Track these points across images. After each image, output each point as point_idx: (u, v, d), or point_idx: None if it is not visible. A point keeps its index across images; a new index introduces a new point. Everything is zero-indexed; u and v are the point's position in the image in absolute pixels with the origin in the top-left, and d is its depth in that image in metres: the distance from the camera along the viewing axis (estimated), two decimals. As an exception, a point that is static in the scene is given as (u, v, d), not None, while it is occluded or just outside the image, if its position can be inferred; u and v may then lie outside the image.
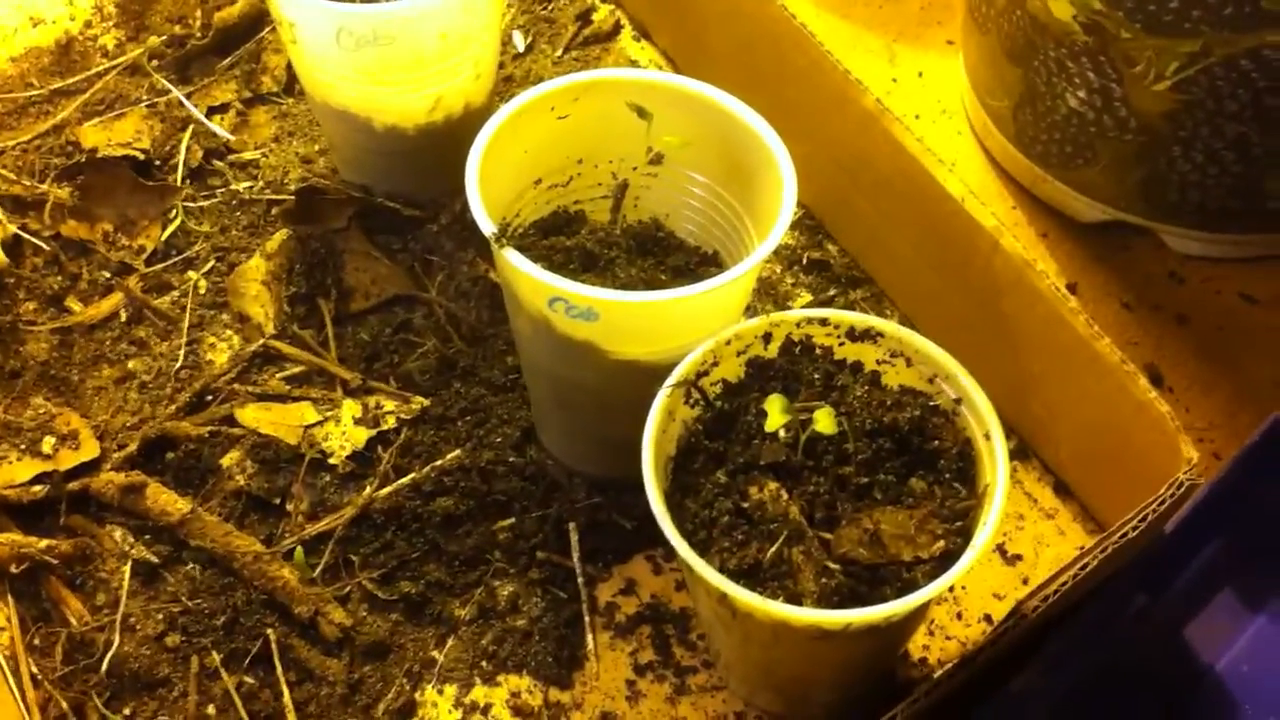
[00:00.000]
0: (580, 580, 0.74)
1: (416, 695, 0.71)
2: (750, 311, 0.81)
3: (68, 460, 0.77)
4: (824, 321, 0.64)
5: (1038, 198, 0.88)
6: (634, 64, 0.96)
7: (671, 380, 0.62)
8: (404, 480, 0.76)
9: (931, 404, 0.63)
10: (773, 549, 0.59)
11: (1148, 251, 0.86)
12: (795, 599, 0.58)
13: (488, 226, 0.64)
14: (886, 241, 0.84)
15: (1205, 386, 0.81)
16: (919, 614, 0.62)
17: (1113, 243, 0.87)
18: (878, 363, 0.65)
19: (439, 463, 0.77)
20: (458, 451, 0.77)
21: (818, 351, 0.65)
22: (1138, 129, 0.78)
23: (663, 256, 0.73)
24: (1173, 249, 0.86)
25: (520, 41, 0.96)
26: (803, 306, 0.84)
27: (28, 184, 0.88)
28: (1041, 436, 0.79)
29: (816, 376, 0.64)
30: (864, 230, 0.86)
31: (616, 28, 0.98)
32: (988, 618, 0.74)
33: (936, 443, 0.62)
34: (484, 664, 0.72)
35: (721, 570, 0.58)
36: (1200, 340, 0.83)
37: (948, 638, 0.73)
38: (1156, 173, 0.80)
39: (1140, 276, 0.86)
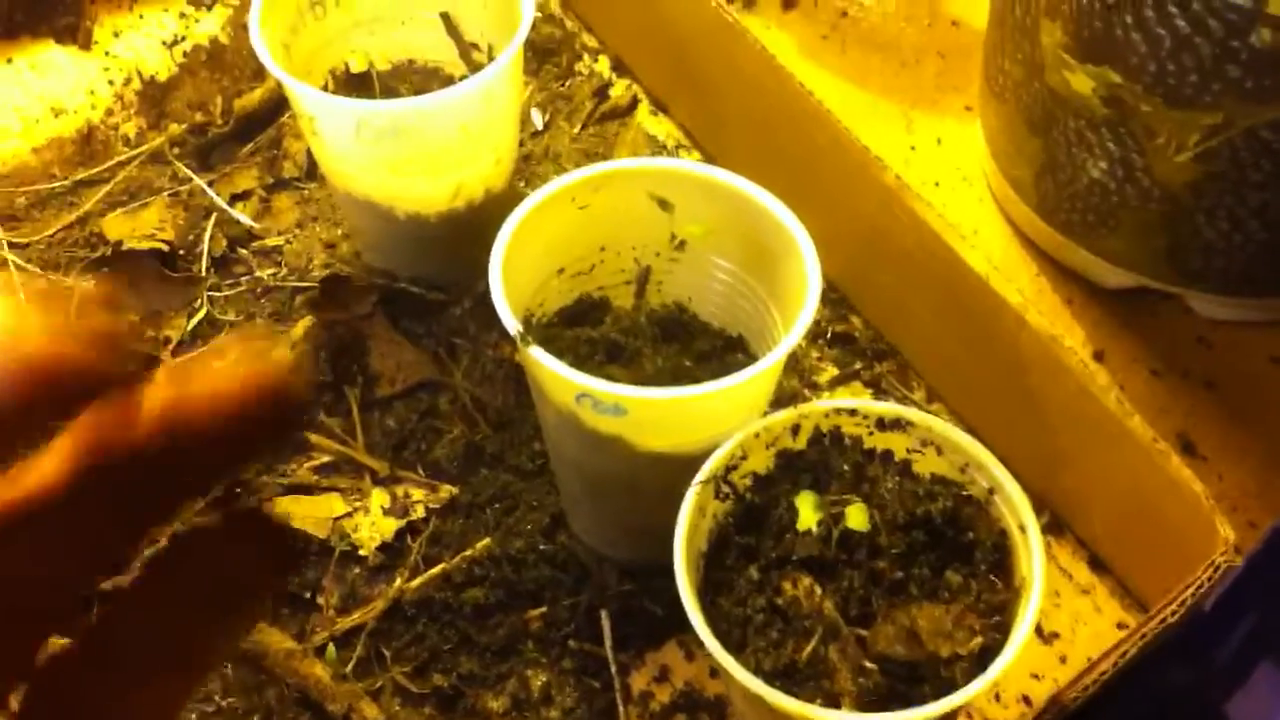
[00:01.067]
0: (613, 669, 0.74)
1: (452, 790, 0.71)
2: (778, 386, 0.81)
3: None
4: (853, 412, 0.64)
5: (1062, 264, 0.88)
6: (651, 138, 0.96)
7: (701, 477, 0.62)
8: (434, 571, 0.76)
9: (964, 494, 0.63)
10: (809, 648, 0.59)
11: (1175, 317, 0.86)
12: (832, 699, 0.57)
13: (512, 325, 0.64)
14: (911, 314, 0.83)
15: (1238, 453, 0.81)
16: (959, 711, 0.62)
17: (1139, 308, 0.86)
18: (908, 451, 0.64)
19: (469, 552, 0.77)
20: (487, 540, 0.77)
21: (847, 442, 0.64)
22: (1161, 198, 0.78)
23: (688, 342, 0.73)
24: (1200, 314, 0.85)
25: (539, 119, 0.97)
26: (827, 382, 0.84)
27: (54, 278, 0.88)
28: (1075, 511, 0.78)
29: (846, 468, 0.64)
30: (888, 303, 0.85)
31: (634, 102, 0.99)
32: (1025, 699, 0.73)
33: (971, 534, 0.61)
34: (519, 756, 0.72)
35: (757, 671, 0.57)
36: (1231, 406, 0.82)
37: (985, 720, 0.72)
38: (1181, 240, 0.80)
39: (1168, 342, 0.85)
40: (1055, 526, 0.79)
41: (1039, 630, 0.75)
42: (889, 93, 0.98)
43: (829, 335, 0.86)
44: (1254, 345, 0.85)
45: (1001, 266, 0.81)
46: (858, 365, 0.85)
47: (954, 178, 0.94)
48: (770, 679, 0.57)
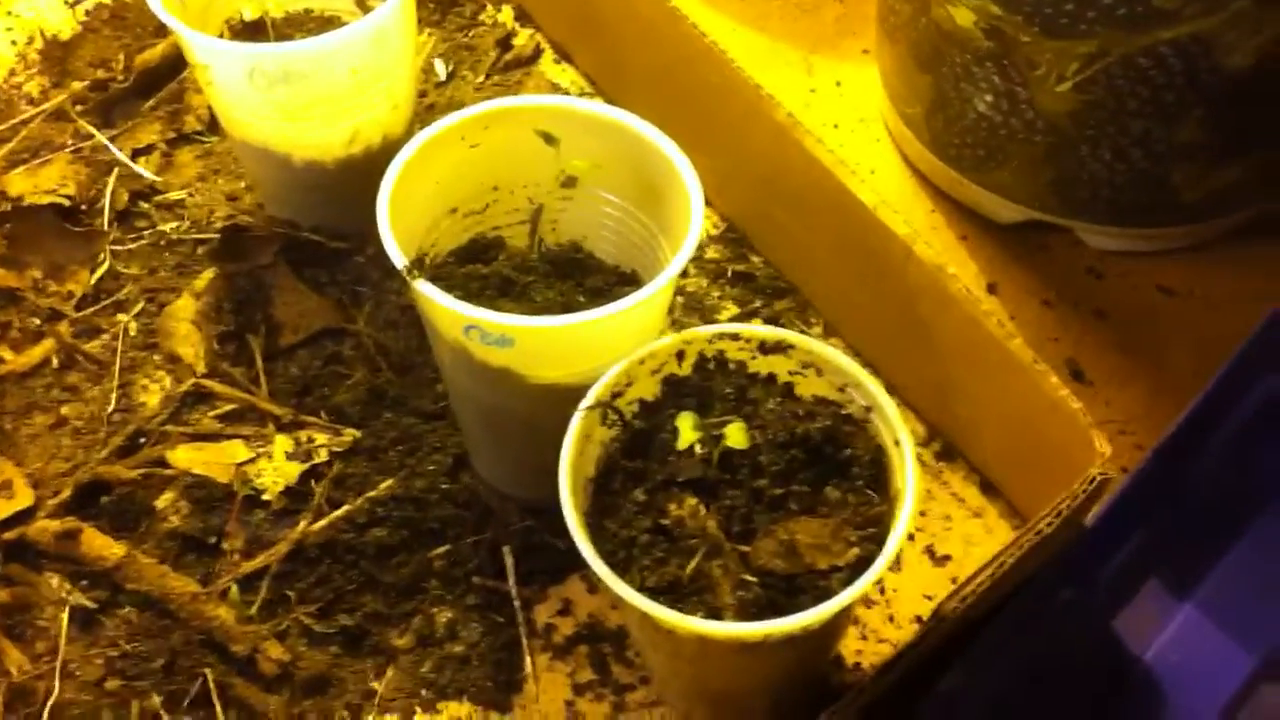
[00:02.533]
0: (516, 604, 0.75)
1: (358, 727, 0.72)
2: (677, 327, 0.82)
3: (3, 509, 0.77)
4: (736, 336, 0.65)
5: (956, 201, 0.90)
6: (555, 87, 0.97)
7: (587, 402, 0.63)
8: (338, 513, 0.77)
9: (843, 413, 0.64)
10: (691, 564, 0.60)
11: (1066, 249, 0.88)
12: (715, 613, 0.59)
13: (400, 260, 0.65)
14: (807, 252, 0.85)
15: (1125, 379, 0.83)
16: (842, 620, 0.63)
17: (1031, 242, 0.88)
18: (790, 374, 0.66)
19: (372, 493, 0.77)
20: (390, 481, 0.78)
21: (731, 366, 0.66)
22: (1045, 130, 0.80)
23: (581, 278, 0.74)
24: (1090, 245, 0.87)
25: (442, 70, 0.97)
26: (728, 320, 0.85)
27: (-46, 236, 0.88)
28: (966, 437, 0.80)
29: (730, 390, 0.65)
30: (785, 242, 0.87)
31: (537, 52, 0.99)
32: (919, 619, 0.75)
33: (849, 451, 0.63)
34: (424, 692, 0.73)
35: (642, 588, 0.59)
36: (1119, 334, 0.84)
37: (880, 641, 0.74)
38: (1067, 172, 0.82)
39: (1059, 274, 0.87)
40: (947, 453, 0.81)
41: (931, 552, 0.77)
42: (789, 37, 0.99)
43: (729, 275, 0.88)
44: (1142, 275, 0.87)
45: (898, 205, 0.82)
46: (757, 303, 0.86)
47: (852, 119, 0.95)
48: (654, 595, 0.58)
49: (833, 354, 0.64)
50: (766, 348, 0.65)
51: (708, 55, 0.83)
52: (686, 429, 0.61)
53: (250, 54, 0.75)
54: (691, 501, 0.62)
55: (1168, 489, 0.73)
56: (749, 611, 0.59)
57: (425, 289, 0.64)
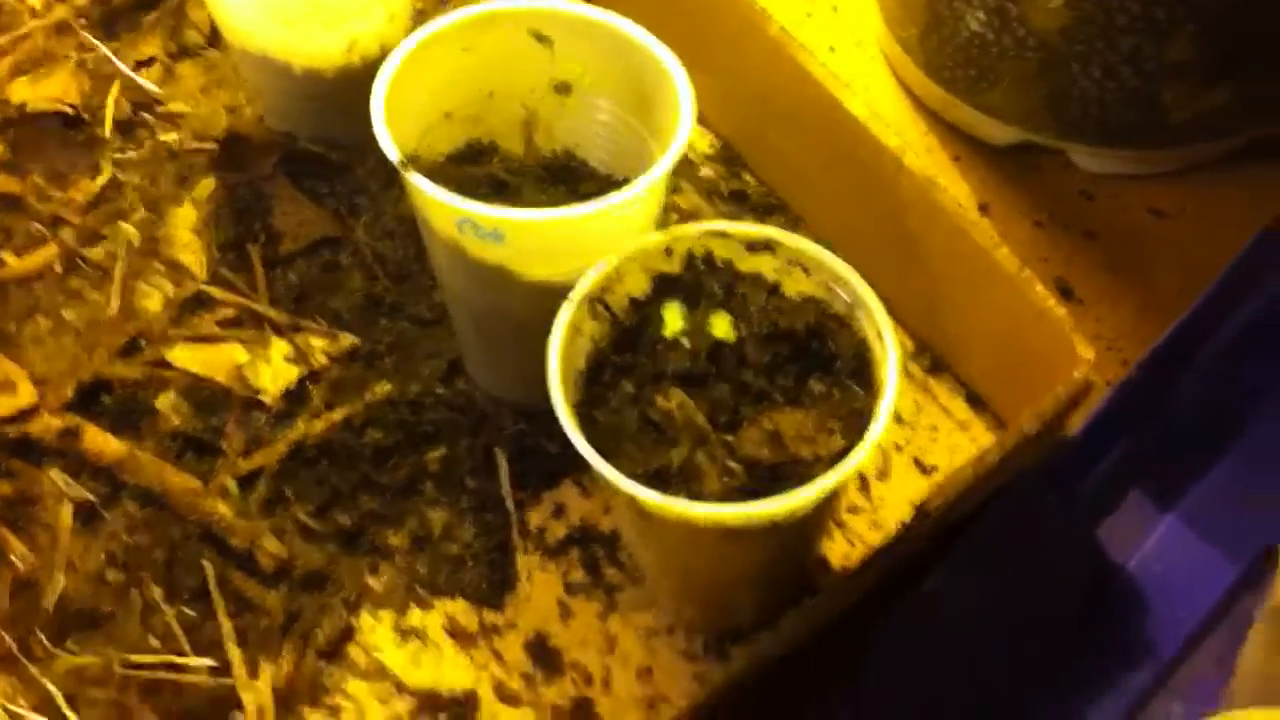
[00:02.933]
0: (510, 505, 0.76)
1: (354, 621, 0.73)
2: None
3: (5, 407, 0.79)
4: (724, 234, 0.66)
5: (950, 123, 0.91)
6: None
7: (575, 295, 0.64)
8: (335, 415, 0.78)
9: (829, 310, 0.65)
10: (678, 454, 0.61)
11: (1058, 171, 0.89)
12: (700, 499, 0.60)
13: (394, 154, 0.66)
14: (800, 170, 0.86)
15: (1115, 298, 0.84)
16: (824, 510, 0.65)
17: (1024, 164, 0.89)
18: (777, 272, 0.67)
19: (369, 397, 0.79)
20: (387, 385, 0.79)
21: (719, 264, 0.67)
22: (1036, 47, 0.80)
23: (574, 185, 0.75)
24: (1082, 168, 0.88)
25: (439, -15, 0.98)
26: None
27: (-44, 142, 0.89)
28: (954, 350, 0.81)
29: (718, 287, 0.66)
30: (779, 159, 0.88)
31: (537, -28, 1.00)
32: (905, 527, 0.76)
33: (833, 345, 0.64)
34: (419, 589, 0.74)
35: (630, 476, 0.60)
36: (1109, 254, 0.86)
37: (867, 546, 0.75)
38: (1058, 90, 0.83)
39: (1051, 195, 0.88)
40: (935, 367, 0.82)
41: (918, 463, 0.79)
42: (788, -39, 1.00)
43: (724, 192, 0.89)
44: (1133, 197, 0.88)
45: (892, 124, 0.83)
46: (750, 220, 0.87)
47: (849, 42, 0.96)
48: (642, 482, 0.60)
49: (818, 251, 0.65)
50: (754, 246, 0.66)
51: (704, -29, 0.84)
52: (673, 317, 0.62)
53: (249, -43, 0.76)
54: (679, 394, 0.63)
55: (1152, 401, 0.75)
56: (734, 498, 0.60)
57: (419, 181, 0.65)
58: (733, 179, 0.89)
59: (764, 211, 0.88)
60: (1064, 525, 0.73)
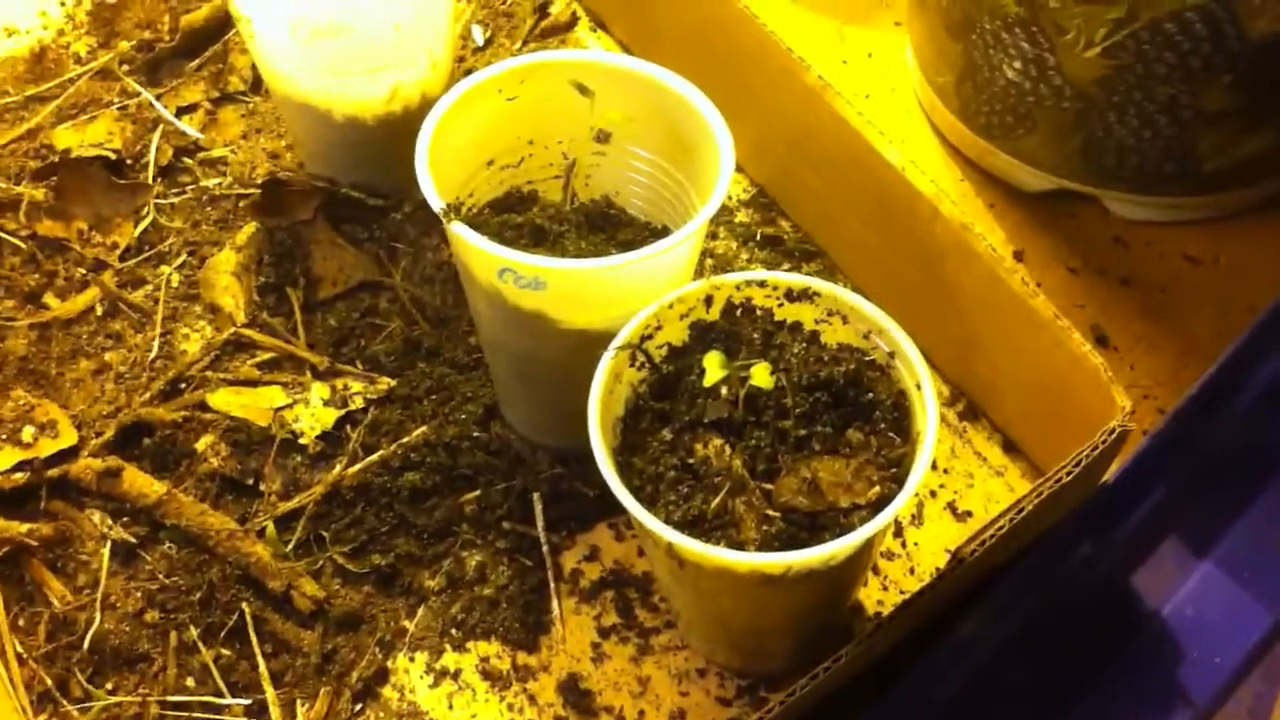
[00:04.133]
0: (545, 548, 0.77)
1: (389, 663, 0.74)
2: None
3: (47, 448, 0.80)
4: (763, 283, 0.67)
5: (985, 170, 0.91)
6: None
7: (616, 343, 0.65)
8: (372, 458, 0.79)
9: (867, 358, 0.66)
10: (716, 500, 0.61)
11: (1092, 218, 0.89)
12: (739, 547, 0.60)
13: (437, 202, 0.67)
14: (835, 215, 0.86)
15: (1150, 345, 0.84)
16: (861, 558, 0.65)
17: (1058, 211, 0.89)
18: (816, 322, 0.67)
19: (406, 440, 0.79)
20: (424, 429, 0.80)
21: (758, 313, 0.67)
22: (1073, 96, 0.81)
23: (613, 232, 0.75)
24: (1116, 215, 0.88)
25: (480, 35, 0.99)
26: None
27: (4, 186, 0.90)
28: (989, 396, 0.81)
29: (756, 336, 0.67)
30: (814, 205, 0.88)
31: (573, 19, 1.01)
32: (939, 572, 0.76)
33: (871, 395, 0.65)
34: (453, 631, 0.75)
35: (667, 522, 0.60)
36: (1144, 301, 0.86)
37: (901, 592, 0.75)
38: (1094, 139, 0.83)
39: (1085, 242, 0.88)
40: (971, 412, 0.82)
41: (953, 509, 0.79)
42: (822, 9, 1.01)
43: (758, 238, 0.89)
44: (1168, 243, 0.88)
45: (926, 171, 0.83)
46: (786, 266, 0.88)
47: (884, 90, 0.96)
48: (680, 529, 0.60)
49: (858, 301, 0.66)
50: (793, 295, 0.67)
51: (740, 20, 0.84)
52: (714, 367, 0.63)
53: (294, 6, 0.77)
54: (717, 441, 0.63)
55: (1187, 448, 0.74)
56: (772, 546, 0.60)
57: (461, 231, 0.66)
58: (768, 225, 0.90)
59: (800, 257, 0.88)
60: (1098, 573, 0.72)
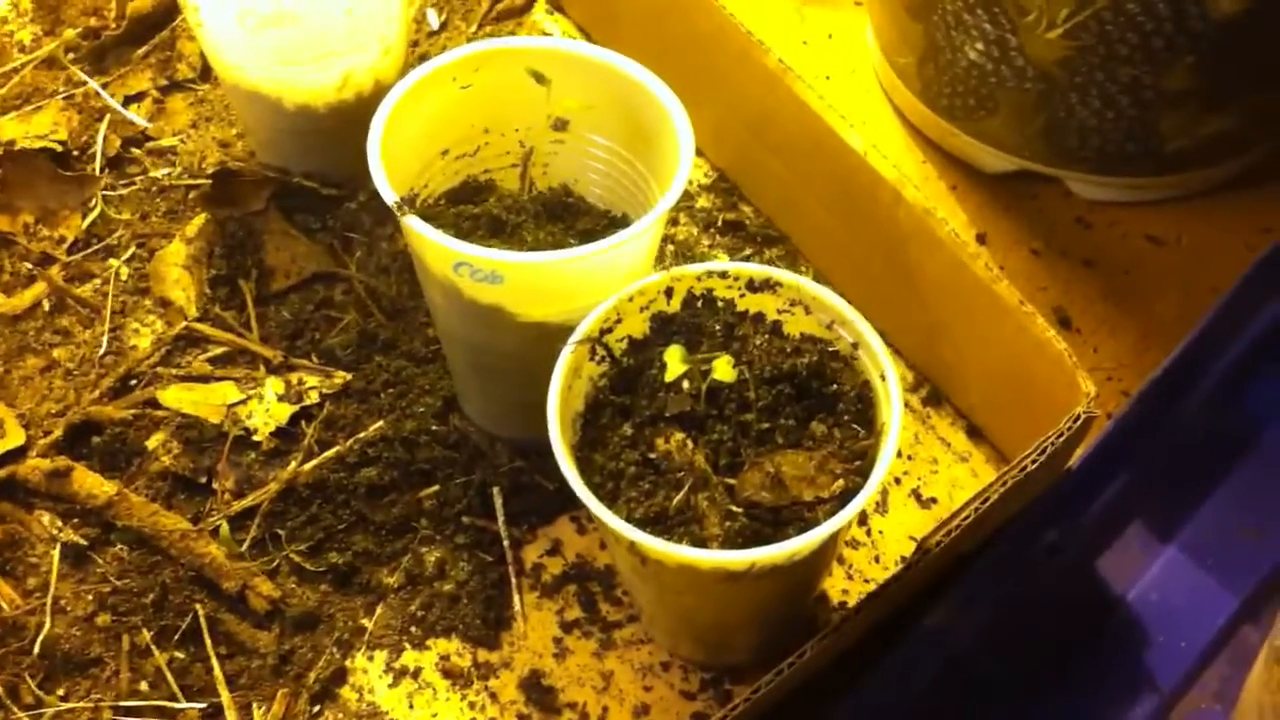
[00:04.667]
0: (505, 543, 0.76)
1: (347, 663, 0.73)
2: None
3: (-6, 449, 0.78)
4: (724, 274, 0.66)
5: (946, 152, 0.90)
6: (548, 36, 0.97)
7: (575, 337, 0.64)
8: (328, 454, 0.78)
9: (830, 349, 0.65)
10: (678, 496, 0.61)
11: (1054, 199, 0.88)
12: (701, 544, 0.59)
13: (390, 195, 0.65)
14: (798, 200, 0.85)
15: (1113, 327, 0.83)
16: (826, 552, 0.64)
17: (1020, 192, 0.89)
18: (778, 312, 0.66)
19: (362, 435, 0.78)
20: (380, 423, 0.78)
21: (719, 304, 0.66)
22: (1035, 77, 0.80)
23: (571, 221, 0.74)
24: (1079, 195, 0.88)
25: (434, 19, 0.97)
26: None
27: (-54, 180, 0.88)
28: (952, 382, 0.80)
29: (718, 328, 0.66)
30: (776, 190, 0.87)
31: (530, 2, 0.99)
32: (905, 560, 0.75)
33: (835, 386, 0.64)
34: (413, 629, 0.74)
35: (629, 520, 0.59)
36: (1107, 282, 0.85)
37: (866, 580, 0.75)
38: (1056, 120, 0.82)
39: (1048, 223, 0.88)
40: (935, 398, 0.81)
41: (917, 495, 0.78)
42: (782, -11, 0.99)
43: (720, 223, 0.88)
44: (1130, 224, 0.87)
45: (888, 153, 0.82)
46: (748, 251, 0.87)
47: (844, 70, 0.95)
48: (642, 526, 0.59)
49: (820, 291, 0.65)
50: (755, 285, 0.66)
51: (700, 3, 0.83)
52: (675, 362, 0.61)
53: (240, -5, 0.76)
54: (679, 436, 0.62)
55: (1152, 432, 0.74)
56: (735, 542, 0.59)
57: (415, 224, 0.64)
58: (729, 210, 0.89)
59: (762, 242, 0.87)
60: (1064, 560, 0.72)
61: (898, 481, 0.78)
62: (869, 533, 0.77)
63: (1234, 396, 0.77)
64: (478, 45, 0.72)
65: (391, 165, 0.67)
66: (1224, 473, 0.75)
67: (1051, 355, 0.70)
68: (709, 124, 0.73)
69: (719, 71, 0.84)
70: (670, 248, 0.86)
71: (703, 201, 0.89)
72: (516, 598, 0.74)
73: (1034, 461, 0.65)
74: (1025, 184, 0.88)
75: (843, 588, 0.75)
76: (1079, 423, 0.66)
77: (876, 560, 0.76)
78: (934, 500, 0.78)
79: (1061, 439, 0.66)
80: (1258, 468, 0.76)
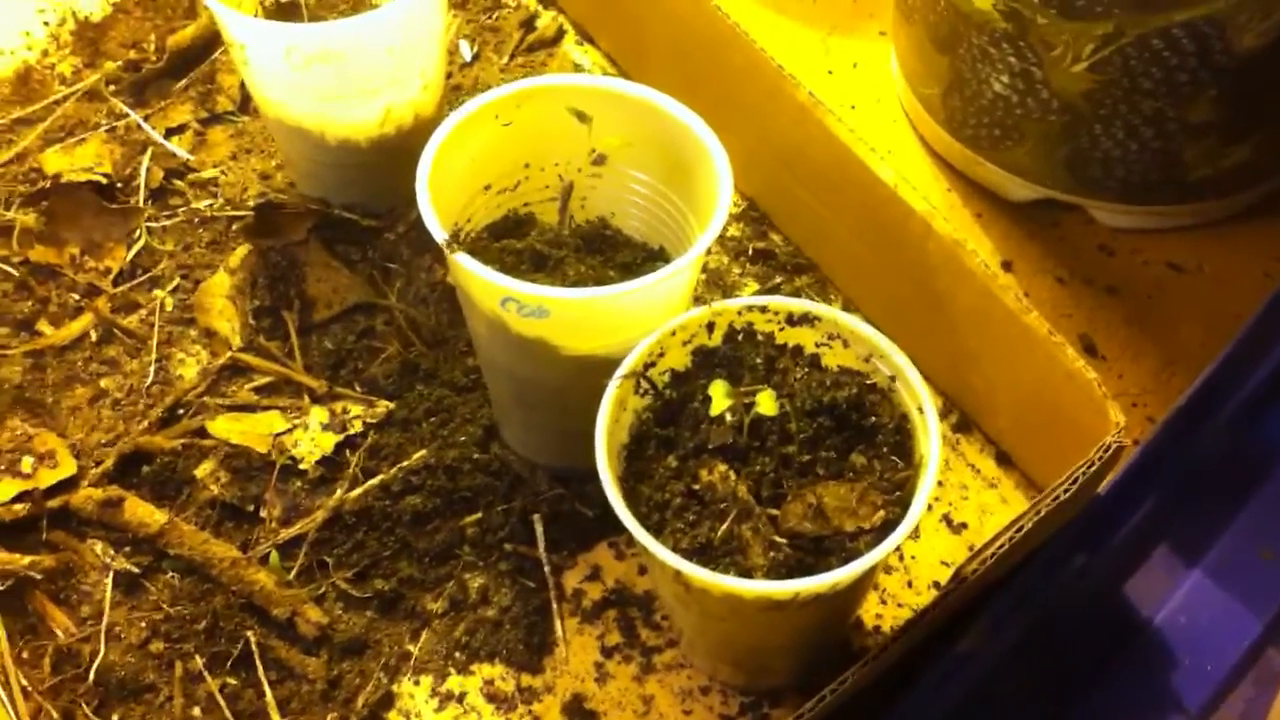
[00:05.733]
0: (547, 569, 0.77)
1: (394, 688, 0.74)
2: (699, 302, 0.84)
3: (47, 478, 0.80)
4: (764, 309, 0.67)
5: (971, 180, 0.92)
6: (578, 67, 0.99)
7: (621, 372, 0.65)
8: (373, 482, 0.79)
9: (868, 382, 0.66)
10: (723, 527, 0.62)
11: (1078, 227, 0.90)
12: (745, 573, 0.61)
13: (439, 234, 0.67)
14: (827, 229, 0.87)
15: (1137, 353, 0.85)
16: (865, 581, 0.66)
17: (1044, 220, 0.90)
18: (817, 345, 0.68)
19: (406, 463, 0.80)
20: (423, 451, 0.80)
21: (759, 338, 0.68)
22: (1060, 109, 0.82)
23: (611, 254, 0.76)
24: (1102, 223, 0.89)
25: (467, 51, 0.99)
26: (749, 295, 0.87)
27: (-6, 212, 0.90)
28: (982, 409, 0.82)
29: (759, 361, 0.67)
30: (806, 219, 0.89)
31: (560, 33, 1.01)
32: (937, 584, 0.77)
33: (874, 418, 0.65)
34: (457, 654, 0.75)
35: (675, 550, 0.61)
36: (1131, 309, 0.87)
37: (899, 605, 0.76)
38: (1080, 150, 0.84)
39: (1072, 250, 0.89)
40: (964, 425, 0.83)
41: (949, 521, 0.80)
42: (807, 20, 1.01)
43: (750, 252, 0.90)
44: (1153, 251, 0.89)
45: (914, 182, 0.84)
46: (778, 279, 0.88)
47: (869, 100, 0.97)
48: (686, 557, 0.61)
49: (858, 325, 0.66)
50: (794, 319, 0.67)
51: (729, 37, 0.85)
52: (719, 396, 0.63)
53: (288, 32, 0.77)
54: (722, 467, 0.64)
55: (1177, 457, 0.76)
56: (779, 572, 0.61)
57: (464, 261, 0.66)
58: (759, 238, 0.91)
59: (792, 270, 0.89)
60: (1092, 583, 0.73)
61: (929, 507, 0.80)
62: (901, 558, 0.78)
63: (1255, 421, 0.78)
64: (520, 84, 0.74)
65: (438, 201, 0.69)
66: (1246, 496, 0.76)
67: (1081, 385, 0.71)
68: (739, 153, 0.75)
69: (748, 104, 0.85)
70: (702, 276, 0.88)
71: (733, 230, 0.91)
72: (558, 623, 0.76)
73: (1066, 491, 0.67)
74: (1049, 212, 0.90)
75: (876, 612, 0.76)
76: (1109, 453, 0.68)
77: (909, 585, 0.77)
78: (964, 525, 0.79)
79: (1093, 469, 0.67)
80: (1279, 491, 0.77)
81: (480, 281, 0.66)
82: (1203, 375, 0.77)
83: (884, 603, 0.77)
